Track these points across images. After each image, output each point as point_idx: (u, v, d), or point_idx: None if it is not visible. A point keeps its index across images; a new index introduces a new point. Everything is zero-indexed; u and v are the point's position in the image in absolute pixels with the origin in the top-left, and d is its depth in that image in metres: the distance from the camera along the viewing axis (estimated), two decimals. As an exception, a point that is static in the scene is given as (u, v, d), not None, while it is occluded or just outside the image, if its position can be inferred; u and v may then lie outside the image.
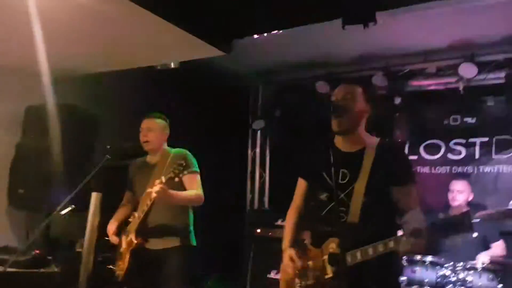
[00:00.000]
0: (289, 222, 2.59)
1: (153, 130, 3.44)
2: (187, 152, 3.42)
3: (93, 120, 4.23)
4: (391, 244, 2.06)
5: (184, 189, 3.26)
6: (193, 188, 3.27)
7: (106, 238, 4.12)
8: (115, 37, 3.52)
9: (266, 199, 6.14)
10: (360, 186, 2.25)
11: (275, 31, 3.70)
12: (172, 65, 4.18)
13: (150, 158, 3.51)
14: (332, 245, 2.29)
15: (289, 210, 2.64)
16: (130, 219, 3.44)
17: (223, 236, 5.56)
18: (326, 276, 2.28)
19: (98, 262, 3.98)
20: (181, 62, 4.25)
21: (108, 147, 3.58)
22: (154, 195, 3.02)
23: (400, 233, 2.08)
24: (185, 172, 3.16)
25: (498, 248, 3.99)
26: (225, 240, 5.59)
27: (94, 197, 3.59)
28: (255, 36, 3.77)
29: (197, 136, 4.70)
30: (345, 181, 2.30)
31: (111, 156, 3.64)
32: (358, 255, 2.16)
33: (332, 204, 2.31)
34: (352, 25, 3.30)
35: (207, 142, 5.21)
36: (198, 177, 3.35)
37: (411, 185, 2.29)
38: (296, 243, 2.50)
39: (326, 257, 2.28)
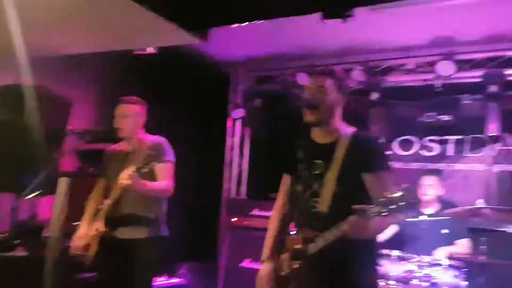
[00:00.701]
0: (271, 226, 2.55)
1: (127, 117, 3.32)
2: (163, 140, 3.33)
3: (66, 103, 4.15)
4: (345, 226, 2.07)
5: (155, 179, 3.20)
6: (164, 178, 3.21)
7: (74, 223, 4.09)
8: (90, 19, 3.44)
9: (243, 188, 6.14)
10: (331, 176, 2.27)
11: (253, 22, 3.66)
12: (150, 50, 4.12)
13: (124, 145, 3.40)
14: (301, 235, 2.31)
15: (273, 209, 2.61)
16: (100, 206, 3.36)
17: (199, 225, 5.57)
18: (294, 266, 2.30)
19: (66, 248, 3.95)
20: (160, 47, 4.19)
21: (78, 131, 3.53)
22: (123, 183, 2.99)
23: None
24: (157, 161, 3.12)
25: (461, 245, 4.06)
26: (201, 228, 5.60)
27: (63, 182, 3.56)
28: (233, 25, 3.73)
29: (175, 123, 4.67)
30: (319, 172, 2.32)
31: (82, 140, 3.59)
32: (320, 242, 2.19)
33: (306, 195, 2.33)
34: (331, 19, 3.29)
35: (185, 129, 5.19)
36: (171, 167, 3.28)
37: (385, 172, 2.27)
38: (278, 248, 2.47)
39: (295, 248, 2.30)
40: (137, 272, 3.18)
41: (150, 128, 3.46)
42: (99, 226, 3.24)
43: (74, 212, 3.69)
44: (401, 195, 1.91)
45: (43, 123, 3.88)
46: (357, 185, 2.26)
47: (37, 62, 4.04)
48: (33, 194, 3.36)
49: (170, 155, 3.31)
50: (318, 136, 2.42)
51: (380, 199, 1.95)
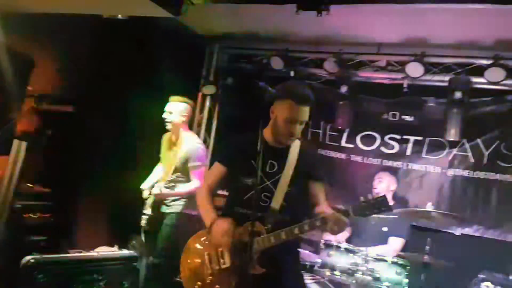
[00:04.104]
0: (205, 201, 2.63)
1: (172, 113, 3.99)
2: (199, 145, 4.04)
3: (28, 61, 4.02)
4: (296, 230, 2.33)
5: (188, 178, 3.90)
6: (193, 180, 3.88)
7: (29, 185, 4.04)
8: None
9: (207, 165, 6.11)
10: (286, 177, 2.48)
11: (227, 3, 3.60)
12: (120, 16, 3.99)
13: (171, 136, 4.09)
14: (248, 227, 2.35)
15: (200, 189, 2.76)
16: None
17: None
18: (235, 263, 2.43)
19: (17, 208, 3.90)
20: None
21: (38, 93, 3.46)
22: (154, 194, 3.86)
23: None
24: (191, 164, 3.86)
25: (394, 243, 4.19)
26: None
27: (16, 144, 3.48)
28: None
29: (142, 92, 4.58)
30: (273, 171, 2.51)
31: (41, 102, 3.52)
32: (272, 239, 2.35)
33: (256, 189, 2.39)
34: (306, 11, 3.28)
35: (152, 101, 5.10)
36: (202, 170, 3.94)
37: (323, 182, 2.59)
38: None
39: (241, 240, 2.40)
40: None
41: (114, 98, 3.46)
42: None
43: (28, 175, 3.64)
44: (382, 199, 2.24)
45: (2, 79, 3.77)
46: (305, 189, 2.53)
47: (2, 19, 3.87)
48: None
49: (203, 158, 4.02)
50: (270, 139, 2.60)
51: (364, 202, 2.25)
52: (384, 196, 2.29)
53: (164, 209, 3.94)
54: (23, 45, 3.96)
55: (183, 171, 3.92)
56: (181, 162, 3.88)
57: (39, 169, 4.29)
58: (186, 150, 3.90)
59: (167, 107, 4.03)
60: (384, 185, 4.45)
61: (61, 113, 4.42)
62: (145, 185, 4.09)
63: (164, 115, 4.01)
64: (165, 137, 4.17)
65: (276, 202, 2.45)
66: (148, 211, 3.91)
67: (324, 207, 2.45)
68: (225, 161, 2.67)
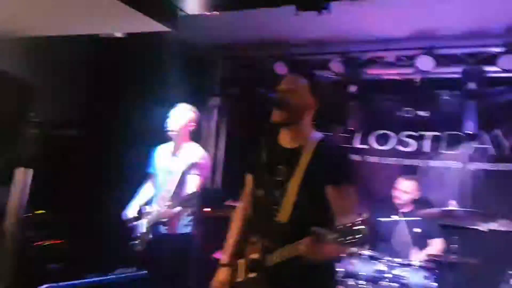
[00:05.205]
0: (233, 228, 2.45)
1: (178, 122, 3.67)
2: (203, 155, 3.73)
3: (29, 88, 3.95)
4: (300, 247, 1.97)
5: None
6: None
7: (39, 212, 3.97)
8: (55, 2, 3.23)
9: (218, 178, 6.01)
10: (293, 185, 2.15)
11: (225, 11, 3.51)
12: (117, 34, 3.90)
13: (174, 146, 3.76)
14: (259, 244, 2.21)
15: (236, 210, 2.51)
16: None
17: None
18: (250, 276, 2.22)
19: (27, 238, 3.83)
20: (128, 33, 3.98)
21: (33, 115, 3.38)
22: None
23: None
24: (191, 172, 3.59)
25: (436, 245, 4.02)
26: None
27: (22, 173, 3.38)
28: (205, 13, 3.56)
29: (146, 109, 4.50)
30: (281, 178, 2.20)
31: (41, 127, 3.45)
32: (276, 256, 2.10)
33: (266, 202, 2.23)
34: (306, 11, 3.16)
35: (158, 118, 5.02)
36: (198, 180, 3.63)
37: (349, 186, 2.15)
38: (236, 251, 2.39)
39: (251, 256, 2.22)
40: None
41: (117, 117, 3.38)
42: None
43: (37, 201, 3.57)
44: (360, 228, 1.79)
45: (3, 110, 3.70)
46: (318, 197, 2.15)
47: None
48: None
49: (206, 170, 3.77)
50: (284, 139, 2.30)
51: (339, 227, 1.83)
52: (363, 223, 1.79)
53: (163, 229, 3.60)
54: (22, 71, 3.90)
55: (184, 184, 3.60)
56: (183, 173, 3.55)
57: (48, 195, 4.21)
58: (190, 160, 3.59)
59: (172, 114, 3.70)
60: (410, 196, 4.22)
61: (66, 137, 4.33)
62: (134, 205, 3.77)
63: (167, 122, 3.68)
64: (162, 149, 3.85)
65: (283, 215, 2.14)
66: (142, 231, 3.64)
67: (345, 218, 1.97)
68: (249, 169, 2.43)
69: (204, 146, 5.87)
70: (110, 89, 4.40)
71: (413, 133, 4.89)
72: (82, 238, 4.67)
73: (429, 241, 4.04)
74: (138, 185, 3.96)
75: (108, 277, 3.47)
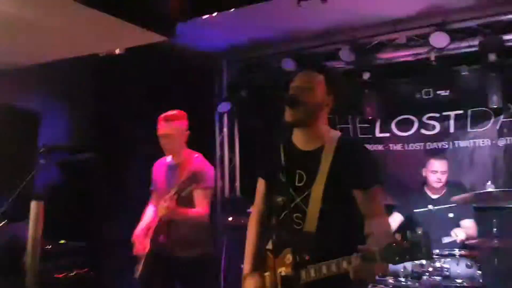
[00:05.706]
0: (250, 235, 2.29)
1: (171, 135, 3.27)
2: (206, 165, 3.34)
3: (34, 116, 3.87)
4: (344, 264, 1.80)
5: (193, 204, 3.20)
6: (200, 205, 3.19)
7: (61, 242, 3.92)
8: (49, 28, 3.13)
9: (237, 185, 5.86)
10: (317, 190, 2.00)
11: (223, 11, 3.36)
12: (117, 51, 3.79)
13: (171, 160, 3.39)
14: (288, 257, 2.03)
15: (250, 217, 2.35)
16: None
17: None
18: None
19: (47, 271, 3.76)
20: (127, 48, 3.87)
21: (42, 146, 3.27)
22: (162, 211, 3.07)
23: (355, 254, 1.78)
24: (197, 186, 3.11)
25: (467, 227, 3.80)
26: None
27: (34, 206, 3.29)
28: (204, 16, 3.42)
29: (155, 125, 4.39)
30: (302, 184, 2.05)
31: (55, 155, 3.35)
32: (312, 272, 1.91)
33: (288, 209, 2.06)
34: (307, 0, 2.99)
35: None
36: (209, 193, 3.27)
37: (376, 188, 2.02)
38: (258, 259, 2.23)
39: (280, 271, 2.05)
40: None
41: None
42: None
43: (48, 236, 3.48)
44: (421, 245, 1.66)
45: (10, 143, 3.63)
46: (346, 202, 2.00)
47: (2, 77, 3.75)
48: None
49: (210, 180, 3.32)
50: (300, 141, 2.13)
51: (393, 244, 1.68)
52: (425, 237, 1.66)
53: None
54: (26, 100, 3.82)
55: (185, 196, 3.18)
56: (184, 185, 3.14)
57: (67, 223, 4.13)
58: (192, 170, 3.20)
59: (161, 130, 3.30)
60: (446, 176, 4.00)
61: (77, 162, 4.23)
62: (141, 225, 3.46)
63: (160, 134, 3.30)
64: (159, 162, 3.52)
65: (310, 225, 1.99)
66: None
67: (376, 223, 1.96)
68: (262, 174, 2.27)
69: (220, 154, 5.82)
70: (116, 108, 4.29)
71: (436, 115, 4.68)
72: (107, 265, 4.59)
73: (461, 222, 3.82)
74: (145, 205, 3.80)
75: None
